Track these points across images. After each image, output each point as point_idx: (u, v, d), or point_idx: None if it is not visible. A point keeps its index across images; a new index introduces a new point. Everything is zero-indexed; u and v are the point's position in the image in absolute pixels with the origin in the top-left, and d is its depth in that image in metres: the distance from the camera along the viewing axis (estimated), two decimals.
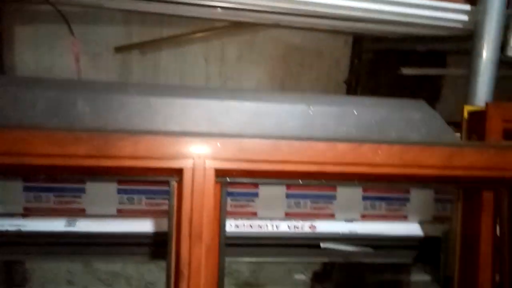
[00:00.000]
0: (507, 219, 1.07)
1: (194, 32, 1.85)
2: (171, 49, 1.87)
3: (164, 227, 1.20)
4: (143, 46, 1.81)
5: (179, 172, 0.83)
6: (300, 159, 0.86)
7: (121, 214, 1.19)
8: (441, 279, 1.31)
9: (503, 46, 1.32)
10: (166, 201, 1.21)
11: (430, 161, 0.94)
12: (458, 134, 1.23)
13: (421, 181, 1.04)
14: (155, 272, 1.81)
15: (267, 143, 0.85)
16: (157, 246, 1.17)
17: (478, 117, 1.17)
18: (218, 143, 0.82)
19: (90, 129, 0.74)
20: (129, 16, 1.78)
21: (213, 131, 0.83)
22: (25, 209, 1.14)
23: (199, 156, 0.81)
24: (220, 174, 0.86)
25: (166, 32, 1.84)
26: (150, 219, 1.19)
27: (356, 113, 0.90)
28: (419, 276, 2.09)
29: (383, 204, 1.43)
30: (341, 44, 2.11)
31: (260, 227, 1.29)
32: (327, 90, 2.14)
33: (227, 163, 0.83)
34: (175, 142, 0.79)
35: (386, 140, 0.90)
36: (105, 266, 1.77)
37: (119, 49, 1.78)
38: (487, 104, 1.12)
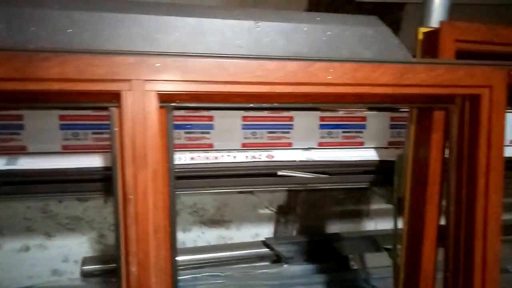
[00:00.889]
0: (456, 138, 1.10)
1: None
2: None
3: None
4: None
5: (117, 96, 0.77)
6: (249, 80, 0.82)
7: (67, 150, 1.13)
8: (394, 201, 1.36)
9: None
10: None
11: (382, 78, 0.92)
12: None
13: (374, 101, 1.03)
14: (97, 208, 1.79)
15: (212, 62, 0.79)
16: (106, 181, 1.13)
17: (432, 37, 1.16)
18: (157, 63, 0.76)
19: (8, 47, 0.65)
20: None
21: (151, 50, 0.76)
22: None
23: (137, 77, 0.75)
24: (163, 98, 0.81)
25: None
26: (97, 154, 1.14)
27: (306, 29, 0.85)
28: (376, 202, 2.20)
29: (340, 131, 1.44)
30: None
31: (217, 158, 1.27)
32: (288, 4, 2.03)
33: (168, 85, 0.78)
34: (108, 62, 0.73)
35: (338, 58, 0.87)
36: (65, 210, 1.74)
37: None
38: (441, 22, 1.10)
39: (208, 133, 1.26)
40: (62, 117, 1.09)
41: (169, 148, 0.89)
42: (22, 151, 1.10)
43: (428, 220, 1.20)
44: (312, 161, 1.38)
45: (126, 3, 0.79)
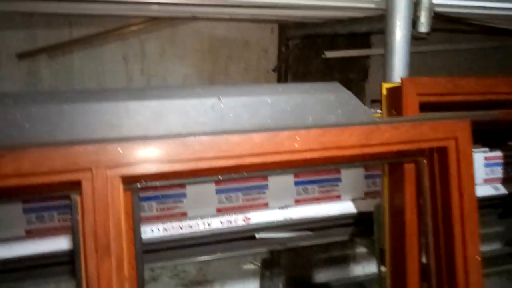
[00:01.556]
0: (428, 189, 1.11)
1: (108, 31, 1.72)
2: (84, 50, 1.73)
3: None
4: (51, 50, 1.65)
5: (78, 186, 0.75)
6: (215, 155, 0.81)
7: (31, 234, 1.08)
8: (376, 252, 1.34)
9: (414, 23, 1.35)
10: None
11: (349, 141, 0.93)
12: (379, 111, 1.25)
13: (342, 162, 1.04)
14: None
15: (175, 141, 0.78)
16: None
17: (395, 92, 1.19)
18: (119, 148, 0.74)
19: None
20: (31, 19, 1.61)
21: (112, 136, 0.75)
22: None
23: (97, 165, 0.73)
24: (129, 180, 0.79)
25: (77, 32, 1.69)
26: (64, 236, 1.09)
27: (270, 102, 0.86)
28: (360, 249, 2.16)
29: (316, 187, 1.43)
30: (268, 32, 2.08)
31: (191, 227, 1.23)
32: (257, 80, 2.11)
33: (132, 168, 0.76)
34: (66, 153, 0.71)
35: (303, 125, 0.88)
36: None
37: (22, 56, 1.61)
38: (402, 79, 1.14)
39: (181, 201, 1.23)
40: (24, 201, 1.05)
41: (136, 229, 0.86)
42: None
43: (410, 271, 1.17)
44: (291, 219, 1.35)
45: (84, 93, 0.78)
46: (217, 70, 2.03)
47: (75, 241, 0.77)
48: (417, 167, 1.15)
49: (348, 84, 2.34)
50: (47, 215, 1.07)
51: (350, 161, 1.03)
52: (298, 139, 0.88)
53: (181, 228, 1.21)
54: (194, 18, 1.57)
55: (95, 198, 0.74)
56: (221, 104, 0.83)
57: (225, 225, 1.26)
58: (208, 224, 1.24)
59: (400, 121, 1.03)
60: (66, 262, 1.05)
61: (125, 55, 1.83)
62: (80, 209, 0.78)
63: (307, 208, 1.40)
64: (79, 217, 0.78)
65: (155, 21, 1.81)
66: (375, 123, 0.98)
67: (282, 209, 1.37)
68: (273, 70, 2.10)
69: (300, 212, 1.38)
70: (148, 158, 0.77)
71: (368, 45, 2.30)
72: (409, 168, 1.17)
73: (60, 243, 1.06)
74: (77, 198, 0.79)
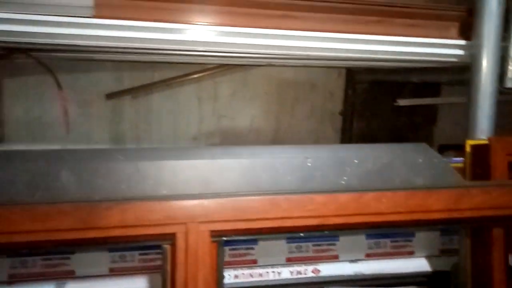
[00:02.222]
0: None
1: (186, 75, 1.84)
2: (163, 91, 1.86)
3: (156, 282, 1.14)
4: (134, 91, 1.79)
5: (171, 236, 0.78)
6: (300, 214, 0.82)
7: (114, 273, 1.13)
8: None
9: (501, 78, 1.30)
10: (160, 256, 1.16)
11: (436, 205, 0.90)
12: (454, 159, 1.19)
13: (427, 225, 0.99)
14: None
15: (264, 199, 0.80)
16: None
17: (482, 151, 1.14)
18: (212, 205, 0.77)
19: (74, 200, 0.69)
20: (119, 64, 1.77)
21: (207, 192, 0.78)
22: (10, 276, 1.08)
23: (192, 220, 0.76)
24: (216, 234, 0.81)
25: (158, 75, 1.83)
26: (143, 276, 1.13)
27: (356, 161, 0.86)
28: None
29: (388, 241, 1.37)
30: (335, 76, 2.10)
31: (261, 275, 1.22)
32: (322, 122, 2.12)
33: (222, 224, 0.78)
34: (165, 207, 0.75)
35: (390, 187, 0.86)
36: None
37: (110, 96, 1.76)
38: (489, 139, 1.09)
39: (252, 248, 1.24)
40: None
41: (219, 279, 0.87)
42: (70, 275, 1.10)
43: None
44: (361, 274, 1.30)
45: (183, 150, 0.83)
46: (284, 112, 2.07)
47: None
48: (507, 232, 1.08)
49: (415, 128, 2.27)
50: (128, 254, 1.13)
51: (434, 225, 0.98)
52: (384, 201, 0.87)
53: (251, 276, 1.21)
54: (268, 65, 1.63)
55: (188, 251, 0.77)
56: (308, 163, 0.84)
57: (295, 276, 1.24)
58: (278, 274, 1.23)
59: (491, 185, 0.98)
60: None
61: (199, 96, 1.93)
62: (170, 259, 0.81)
63: (379, 264, 1.34)
64: (169, 265, 0.81)
65: (228, 65, 1.90)
66: (464, 187, 0.93)
67: (352, 262, 1.33)
68: (340, 113, 2.10)
69: (371, 267, 1.32)
70: (237, 215, 0.79)
71: (437, 93, 2.23)
72: (496, 232, 1.10)
73: (139, 283, 1.10)
74: (168, 247, 0.82)
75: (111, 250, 1.12)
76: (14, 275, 1.08)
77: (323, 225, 0.86)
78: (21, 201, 0.71)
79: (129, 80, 1.80)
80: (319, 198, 0.83)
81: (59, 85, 1.40)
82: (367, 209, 0.86)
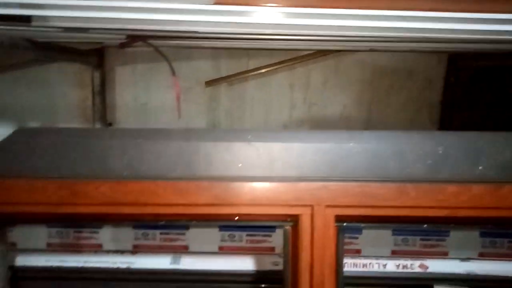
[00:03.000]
0: None
1: (279, 63, 1.84)
2: (256, 79, 1.89)
3: (265, 265, 1.17)
4: (230, 79, 1.85)
5: (294, 218, 0.79)
6: (429, 204, 0.77)
7: (223, 251, 1.18)
8: None
9: None
10: (267, 238, 1.19)
11: None
12: None
13: None
14: None
15: (392, 187, 0.77)
16: (257, 283, 1.14)
17: None
18: (338, 189, 0.76)
19: (210, 177, 0.73)
20: (217, 52, 1.83)
21: (333, 176, 0.77)
22: (134, 246, 1.18)
23: (318, 203, 0.76)
24: (340, 219, 0.80)
25: (252, 63, 1.86)
26: (251, 257, 1.17)
27: (493, 150, 0.79)
28: None
29: (505, 241, 1.26)
30: (434, 62, 1.96)
31: (365, 266, 1.20)
32: (418, 112, 2.00)
33: (348, 209, 0.77)
34: (293, 188, 0.75)
35: None
36: None
37: (209, 83, 1.83)
38: None
39: (356, 238, 1.21)
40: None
41: (339, 266, 0.86)
42: (184, 250, 1.18)
43: None
44: (474, 274, 1.21)
45: (311, 134, 0.83)
46: (377, 100, 1.98)
47: (285, 271, 0.81)
48: None
49: None
50: (237, 235, 1.17)
51: None
52: None
53: (355, 265, 1.19)
54: (371, 51, 1.57)
55: (313, 234, 0.77)
56: (439, 150, 0.79)
57: (400, 269, 1.19)
58: (383, 266, 1.19)
59: None
60: (250, 281, 1.13)
61: (291, 84, 1.93)
62: (292, 241, 0.82)
63: (494, 265, 1.23)
64: (290, 247, 0.82)
65: (321, 51, 1.87)
66: None
67: (463, 261, 1.24)
68: (440, 103, 1.96)
69: (485, 268, 1.22)
70: (364, 201, 0.77)
71: None
72: None
73: (247, 263, 1.14)
74: (289, 229, 0.83)
75: (221, 229, 1.17)
76: (137, 246, 1.18)
77: (452, 217, 0.81)
78: (164, 176, 0.76)
79: (226, 68, 1.86)
80: (451, 188, 0.78)
81: (173, 72, 1.48)
82: (504, 202, 0.78)
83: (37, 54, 1.19)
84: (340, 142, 0.80)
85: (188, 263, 1.15)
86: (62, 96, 1.85)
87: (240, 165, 0.77)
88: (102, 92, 1.80)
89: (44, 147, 0.78)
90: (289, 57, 1.87)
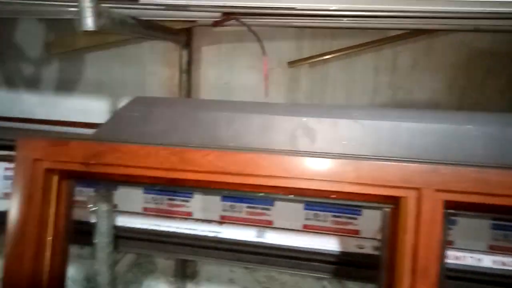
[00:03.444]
0: None
1: (364, 44, 1.77)
2: (339, 60, 1.83)
3: (349, 247, 1.16)
4: (312, 59, 1.81)
5: (396, 200, 0.76)
6: None
7: (307, 229, 1.19)
8: None
9: None
10: (352, 221, 1.17)
11: None
12: None
13: None
14: (310, 282, 1.78)
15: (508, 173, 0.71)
16: (340, 265, 1.13)
17: None
18: (449, 173, 0.72)
19: (314, 153, 0.72)
20: (301, 32, 1.80)
21: (445, 159, 0.73)
22: (222, 217, 1.23)
23: (427, 186, 0.72)
24: (448, 205, 0.76)
25: (336, 44, 1.80)
26: (335, 238, 1.16)
27: None
28: None
29: None
30: None
31: (458, 258, 1.13)
32: None
33: (460, 196, 0.72)
34: (401, 169, 0.72)
35: None
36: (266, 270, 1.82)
37: (292, 63, 1.82)
38: None
39: (450, 228, 1.14)
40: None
41: (442, 254, 0.82)
42: (269, 225, 1.20)
43: None
44: None
45: (420, 113, 0.79)
46: (471, 86, 1.83)
47: (382, 254, 0.79)
48: None
49: None
50: (322, 214, 1.17)
51: None
52: None
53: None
54: (475, 31, 1.44)
55: (420, 219, 0.73)
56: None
57: (498, 266, 1.11)
58: (478, 260, 1.12)
59: None
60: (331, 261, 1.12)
61: (376, 66, 1.85)
62: (391, 223, 0.79)
63: None
64: (389, 230, 0.80)
65: (411, 32, 1.76)
66: None
67: None
68: None
69: None
70: (479, 187, 0.72)
71: None
72: None
73: (330, 243, 1.13)
74: (389, 211, 0.81)
75: (306, 207, 1.18)
76: (224, 217, 1.23)
77: None
78: (269, 149, 0.78)
79: (309, 48, 1.83)
80: None
81: (264, 51, 1.49)
82: None
83: (138, 31, 1.26)
84: (455, 123, 0.75)
85: (273, 238, 1.17)
86: (152, 74, 1.96)
87: (344, 142, 0.76)
88: (188, 71, 1.88)
89: (158, 115, 0.83)
90: (375, 38, 1.78)
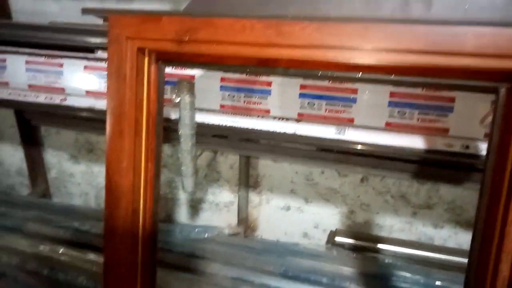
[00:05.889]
0: None
1: None
2: None
3: (436, 145, 1.11)
4: None
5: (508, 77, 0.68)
6: None
7: (390, 128, 1.14)
8: None
9: None
10: (441, 119, 1.10)
11: None
12: None
13: None
14: (371, 194, 1.78)
15: None
16: (424, 165, 1.10)
17: None
18: None
19: (427, 20, 0.65)
20: None
21: None
22: (299, 114, 1.21)
23: None
24: None
25: None
26: (420, 136, 1.11)
27: None
28: None
29: None
30: None
31: None
32: None
33: None
34: None
35: None
36: (325, 181, 1.81)
37: None
38: None
39: None
40: (392, 94, 1.10)
41: None
42: (350, 123, 1.17)
43: None
44: None
45: None
46: None
47: (490, 145, 0.73)
48: None
49: None
50: (408, 112, 1.11)
51: None
52: None
53: None
54: None
55: None
56: None
57: None
58: None
59: None
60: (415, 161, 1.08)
61: None
62: (503, 110, 0.72)
63: None
64: (501, 117, 0.73)
65: None
66: None
67: None
68: None
69: None
70: None
71: None
72: None
73: (416, 142, 1.09)
74: (504, 91, 0.74)
75: (390, 104, 1.12)
76: (302, 114, 1.20)
77: None
78: (373, 18, 0.71)
79: None
80: None
81: None
82: None
83: None
84: None
85: (354, 135, 1.15)
86: None
87: (466, 6, 0.67)
88: None
89: None
90: None
